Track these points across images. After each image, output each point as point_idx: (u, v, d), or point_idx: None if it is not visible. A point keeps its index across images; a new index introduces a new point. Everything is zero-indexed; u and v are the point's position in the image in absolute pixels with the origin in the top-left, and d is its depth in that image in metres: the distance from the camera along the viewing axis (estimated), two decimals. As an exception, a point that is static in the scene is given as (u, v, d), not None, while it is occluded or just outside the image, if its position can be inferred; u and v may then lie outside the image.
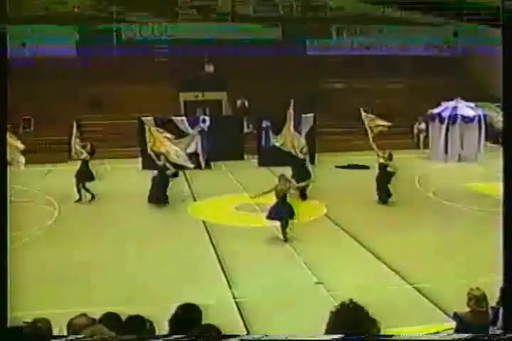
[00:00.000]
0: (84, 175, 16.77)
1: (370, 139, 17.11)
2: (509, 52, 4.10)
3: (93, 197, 16.94)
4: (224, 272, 11.15)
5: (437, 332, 7.99)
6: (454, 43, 31.42)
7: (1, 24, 4.23)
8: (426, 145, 24.26)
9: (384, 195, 16.06)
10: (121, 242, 13.11)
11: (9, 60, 3.81)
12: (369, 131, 17.54)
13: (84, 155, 16.93)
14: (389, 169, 15.87)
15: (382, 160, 16.09)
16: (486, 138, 22.56)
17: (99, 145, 23.90)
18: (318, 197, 16.69)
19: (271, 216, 13.00)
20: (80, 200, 16.72)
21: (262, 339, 3.32)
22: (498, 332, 7.08)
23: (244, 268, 11.36)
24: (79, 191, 16.77)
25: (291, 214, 12.79)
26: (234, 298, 9.98)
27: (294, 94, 27.08)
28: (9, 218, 4.36)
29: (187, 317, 4.82)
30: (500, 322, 7.13)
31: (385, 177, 15.99)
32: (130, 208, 16.05)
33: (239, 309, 9.52)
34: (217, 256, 12.06)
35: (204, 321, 4.88)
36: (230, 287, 10.43)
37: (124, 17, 28.87)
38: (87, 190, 16.86)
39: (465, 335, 3.65)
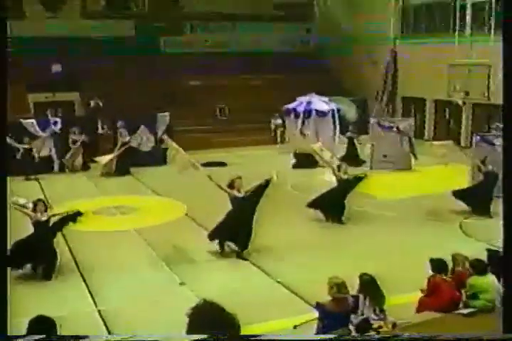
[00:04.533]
0: None
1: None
2: (509, 53, 4.12)
3: None
4: (83, 279, 10.63)
5: (302, 323, 8.07)
6: (307, 40, 32.51)
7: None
8: (283, 140, 24.71)
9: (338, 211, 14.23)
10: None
11: None
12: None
13: None
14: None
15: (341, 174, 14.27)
16: (341, 131, 23.27)
17: None
18: (176, 196, 16.57)
19: None
20: None
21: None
22: (361, 317, 7.23)
23: (104, 273, 10.89)
24: None
25: None
26: (96, 306, 9.54)
27: (149, 92, 26.80)
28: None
29: (40, 330, 4.63)
30: (360, 310, 7.31)
31: (341, 192, 14.24)
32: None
33: (101, 317, 9.10)
34: (76, 262, 11.49)
35: (64, 332, 4.65)
36: (91, 295, 9.97)
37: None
38: None
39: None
